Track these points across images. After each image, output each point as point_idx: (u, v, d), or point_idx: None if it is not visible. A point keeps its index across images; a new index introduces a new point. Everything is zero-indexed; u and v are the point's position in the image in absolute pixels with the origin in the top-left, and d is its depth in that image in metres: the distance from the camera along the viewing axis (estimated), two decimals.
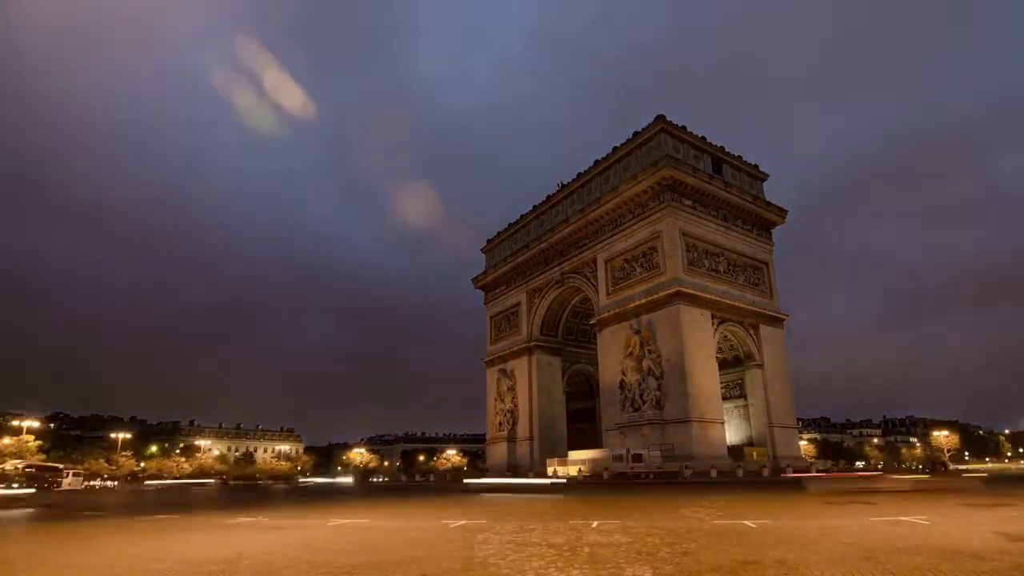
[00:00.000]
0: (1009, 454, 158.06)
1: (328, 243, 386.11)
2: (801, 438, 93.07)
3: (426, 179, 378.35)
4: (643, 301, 61.48)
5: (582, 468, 59.00)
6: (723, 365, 62.08)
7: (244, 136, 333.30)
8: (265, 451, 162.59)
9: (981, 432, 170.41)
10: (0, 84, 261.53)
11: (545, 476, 60.54)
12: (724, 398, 59.65)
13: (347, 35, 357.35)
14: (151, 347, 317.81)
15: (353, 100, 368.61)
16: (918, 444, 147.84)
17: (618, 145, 69.76)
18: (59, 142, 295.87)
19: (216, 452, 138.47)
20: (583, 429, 79.32)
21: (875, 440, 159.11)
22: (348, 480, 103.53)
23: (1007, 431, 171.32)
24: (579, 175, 75.92)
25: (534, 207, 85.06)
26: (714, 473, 48.31)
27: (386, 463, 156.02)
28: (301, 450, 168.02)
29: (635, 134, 67.47)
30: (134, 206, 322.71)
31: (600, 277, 69.20)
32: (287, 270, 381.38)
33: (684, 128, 66.07)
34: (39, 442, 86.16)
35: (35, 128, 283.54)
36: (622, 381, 62.46)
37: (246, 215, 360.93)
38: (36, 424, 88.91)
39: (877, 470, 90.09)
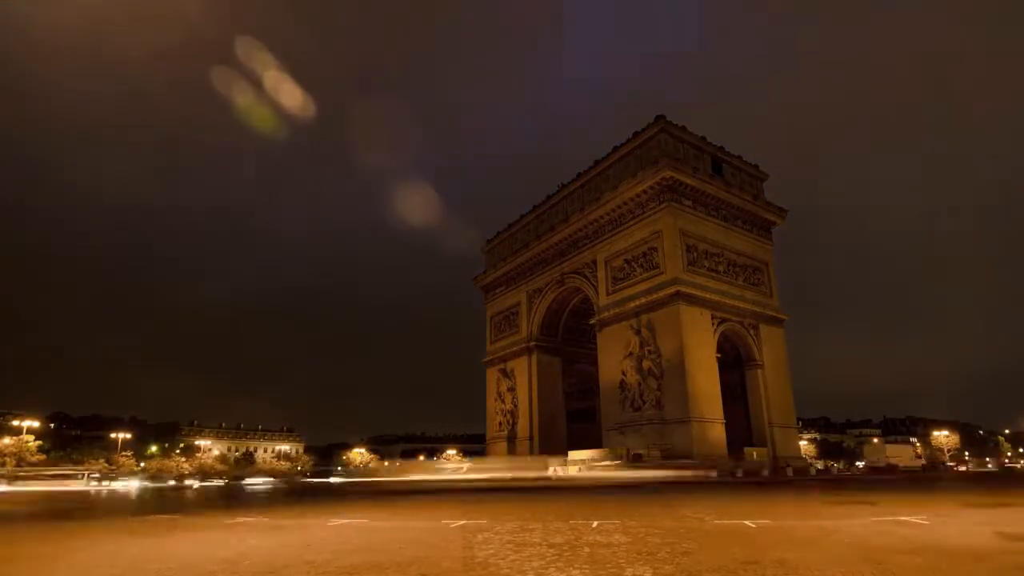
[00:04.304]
0: (1009, 454, 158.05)
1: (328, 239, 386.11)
2: (801, 438, 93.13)
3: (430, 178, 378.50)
4: (643, 301, 61.48)
5: (582, 468, 58.95)
6: (723, 365, 62.13)
7: (247, 134, 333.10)
8: (265, 451, 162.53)
9: (981, 432, 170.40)
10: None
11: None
12: (724, 398, 59.65)
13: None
14: (152, 347, 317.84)
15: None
16: (918, 444, 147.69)
17: (618, 145, 69.77)
18: (56, 137, 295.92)
19: (216, 452, 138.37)
20: (583, 429, 79.30)
21: (875, 440, 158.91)
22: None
23: (1007, 431, 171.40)
24: (579, 175, 75.92)
25: (534, 207, 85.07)
26: (714, 473, 48.34)
27: (386, 463, 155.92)
28: (301, 450, 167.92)
29: (635, 134, 67.47)
30: (134, 205, 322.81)
31: (600, 277, 69.21)
32: (288, 265, 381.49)
33: (684, 128, 66.09)
34: (39, 442, 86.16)
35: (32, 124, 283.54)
36: (622, 381, 62.47)
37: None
38: (36, 424, 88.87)
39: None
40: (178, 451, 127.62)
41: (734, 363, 65.35)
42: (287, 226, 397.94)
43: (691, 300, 59.23)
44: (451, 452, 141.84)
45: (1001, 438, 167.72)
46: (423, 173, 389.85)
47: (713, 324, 60.96)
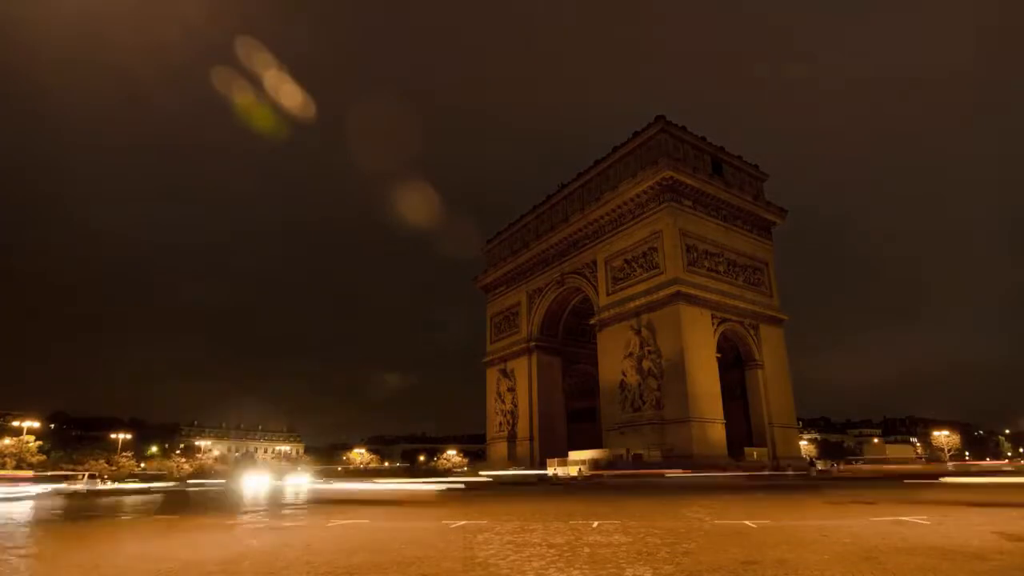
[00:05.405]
0: (1009, 454, 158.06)
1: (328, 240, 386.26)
2: (801, 438, 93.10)
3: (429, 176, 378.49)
4: (643, 301, 61.44)
5: (582, 468, 58.97)
6: (723, 365, 62.14)
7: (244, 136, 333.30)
8: (266, 451, 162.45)
9: (981, 432, 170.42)
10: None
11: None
12: (724, 398, 59.62)
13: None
14: (151, 347, 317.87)
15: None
16: (918, 444, 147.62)
17: (618, 145, 69.71)
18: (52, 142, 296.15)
19: (217, 452, 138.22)
20: (583, 429, 79.29)
21: (875, 440, 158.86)
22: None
23: (1007, 431, 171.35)
24: (579, 175, 75.86)
25: (534, 207, 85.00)
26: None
27: (386, 463, 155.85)
28: (302, 450, 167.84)
29: (635, 134, 67.40)
30: (133, 205, 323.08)
31: (600, 277, 69.17)
32: (288, 264, 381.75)
33: (684, 128, 66.03)
34: (39, 442, 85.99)
35: (32, 128, 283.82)
36: (622, 381, 62.43)
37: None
38: (36, 424, 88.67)
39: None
40: (178, 451, 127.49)
41: (734, 363, 65.29)
42: (286, 225, 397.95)
43: (691, 300, 59.18)
44: (451, 452, 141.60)
45: (1001, 438, 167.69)
46: (422, 172, 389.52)
47: (713, 324, 60.92)
